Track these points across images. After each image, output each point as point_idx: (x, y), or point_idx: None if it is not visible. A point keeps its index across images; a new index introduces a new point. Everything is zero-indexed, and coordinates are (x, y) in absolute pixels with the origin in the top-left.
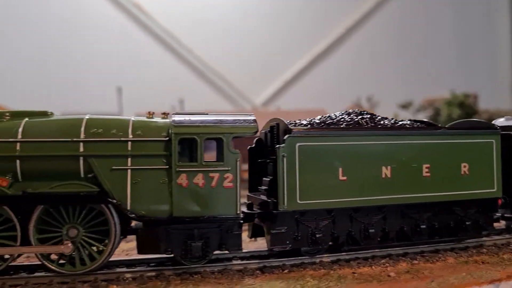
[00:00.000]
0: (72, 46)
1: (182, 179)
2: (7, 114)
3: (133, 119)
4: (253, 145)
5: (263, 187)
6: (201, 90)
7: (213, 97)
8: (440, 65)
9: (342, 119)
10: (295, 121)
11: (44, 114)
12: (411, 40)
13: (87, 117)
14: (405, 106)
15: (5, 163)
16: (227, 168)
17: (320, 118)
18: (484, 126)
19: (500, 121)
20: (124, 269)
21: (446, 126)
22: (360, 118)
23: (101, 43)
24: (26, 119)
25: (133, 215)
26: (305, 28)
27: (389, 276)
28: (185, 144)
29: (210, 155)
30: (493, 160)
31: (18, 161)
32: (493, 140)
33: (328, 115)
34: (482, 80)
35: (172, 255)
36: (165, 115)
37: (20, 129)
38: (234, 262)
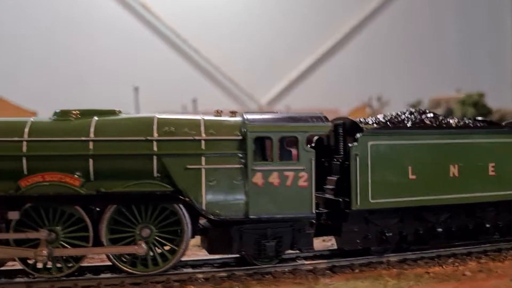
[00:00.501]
0: (78, 45)
1: (258, 178)
2: (75, 112)
3: (204, 118)
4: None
5: (329, 186)
6: (207, 88)
7: (218, 96)
8: (445, 64)
9: (406, 118)
10: (359, 120)
11: (113, 113)
12: (416, 39)
13: (157, 115)
14: (415, 105)
15: (78, 162)
16: (302, 167)
17: (384, 117)
18: None
19: None
20: (196, 270)
21: (505, 124)
22: (424, 117)
23: (109, 43)
24: (95, 117)
25: (209, 215)
26: (311, 27)
27: (464, 275)
28: (258, 143)
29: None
30: None
31: (91, 160)
32: None
33: (389, 114)
34: (487, 79)
35: (238, 256)
36: (233, 114)
37: (92, 128)
38: (299, 262)
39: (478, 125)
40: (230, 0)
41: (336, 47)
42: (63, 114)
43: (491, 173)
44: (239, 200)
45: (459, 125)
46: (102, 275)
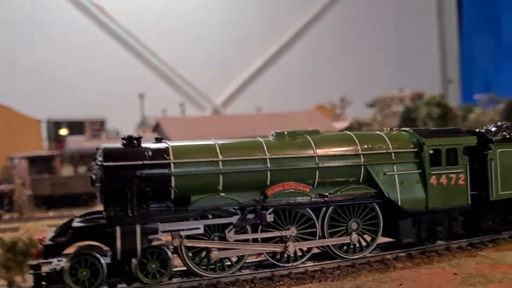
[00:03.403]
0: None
1: (433, 180)
2: (286, 133)
3: (384, 134)
4: None
5: None
6: (164, 91)
7: (176, 98)
8: (385, 65)
9: (506, 129)
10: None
11: (317, 132)
12: (356, 43)
13: (352, 134)
14: (371, 104)
15: (308, 173)
16: (461, 170)
17: (497, 129)
18: None
19: None
20: (384, 252)
21: None
22: None
23: (67, 46)
24: (307, 135)
25: (403, 209)
26: (260, 31)
27: None
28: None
29: None
30: None
31: (317, 171)
32: None
33: (498, 124)
34: (421, 78)
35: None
36: (392, 130)
37: (313, 145)
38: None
39: None
40: (186, 7)
41: (283, 50)
42: (279, 135)
43: None
44: (421, 197)
45: None
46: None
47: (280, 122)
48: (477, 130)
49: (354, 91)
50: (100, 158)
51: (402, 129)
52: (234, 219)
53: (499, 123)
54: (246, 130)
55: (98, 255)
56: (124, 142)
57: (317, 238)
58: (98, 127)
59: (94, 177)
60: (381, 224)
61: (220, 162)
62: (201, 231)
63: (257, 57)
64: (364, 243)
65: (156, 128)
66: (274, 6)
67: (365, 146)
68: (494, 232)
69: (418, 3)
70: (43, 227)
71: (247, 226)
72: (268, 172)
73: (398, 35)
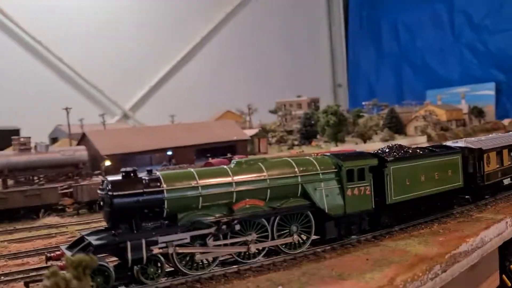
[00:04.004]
0: None
1: (349, 192)
2: (242, 161)
3: (313, 158)
4: None
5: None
6: (70, 96)
7: (83, 103)
8: (284, 72)
9: (399, 150)
10: (381, 150)
11: (265, 159)
12: (256, 50)
13: (291, 159)
14: (273, 111)
15: (262, 192)
16: (367, 184)
17: (388, 151)
18: (451, 149)
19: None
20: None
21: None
22: (405, 149)
23: None
24: (259, 163)
25: (329, 215)
26: (166, 37)
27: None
28: (347, 172)
29: None
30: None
31: (268, 190)
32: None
33: (390, 146)
34: (315, 86)
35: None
36: (317, 154)
37: (264, 169)
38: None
39: (427, 150)
40: (93, 12)
41: (190, 56)
42: (238, 163)
43: (436, 177)
44: (341, 204)
45: (430, 152)
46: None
47: (199, 132)
48: (377, 151)
49: (257, 98)
50: (108, 188)
51: (325, 154)
52: (212, 230)
53: (391, 145)
54: (168, 141)
55: (108, 265)
56: (123, 174)
57: (269, 239)
58: (26, 141)
59: (102, 203)
60: (313, 227)
61: (200, 187)
62: (188, 240)
63: (165, 63)
64: (301, 241)
65: (82, 140)
66: (180, 13)
67: (301, 169)
68: (389, 227)
69: (311, 15)
70: None
71: (220, 234)
72: (234, 192)
73: (293, 44)
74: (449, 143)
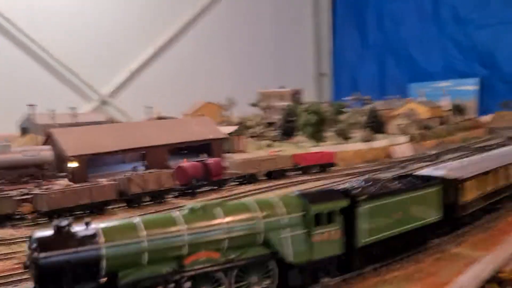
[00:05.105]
0: None
1: (316, 237)
2: (198, 208)
3: (280, 201)
4: None
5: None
6: (44, 79)
7: (59, 88)
8: (267, 62)
9: (371, 184)
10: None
11: (224, 204)
12: (239, 40)
13: (255, 201)
14: (254, 104)
15: (218, 242)
16: (337, 227)
17: (367, 182)
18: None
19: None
20: None
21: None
22: (379, 185)
23: None
24: (218, 209)
25: (293, 263)
26: (148, 20)
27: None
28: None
29: None
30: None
31: (226, 240)
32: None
33: (363, 182)
34: (297, 78)
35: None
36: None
37: (223, 216)
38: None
39: (406, 181)
40: None
41: (172, 42)
42: (193, 210)
43: (414, 212)
44: (306, 251)
45: (400, 185)
46: None
47: (173, 130)
48: (351, 187)
49: (239, 87)
50: (34, 247)
51: (293, 194)
52: None
53: (367, 178)
54: (139, 140)
55: None
56: (55, 229)
57: None
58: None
59: (28, 262)
60: (277, 276)
61: (146, 240)
62: None
63: (146, 48)
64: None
65: (48, 140)
66: None
67: (265, 214)
68: (361, 268)
69: (296, 2)
70: None
71: None
72: (186, 245)
73: (277, 33)
74: (429, 170)
